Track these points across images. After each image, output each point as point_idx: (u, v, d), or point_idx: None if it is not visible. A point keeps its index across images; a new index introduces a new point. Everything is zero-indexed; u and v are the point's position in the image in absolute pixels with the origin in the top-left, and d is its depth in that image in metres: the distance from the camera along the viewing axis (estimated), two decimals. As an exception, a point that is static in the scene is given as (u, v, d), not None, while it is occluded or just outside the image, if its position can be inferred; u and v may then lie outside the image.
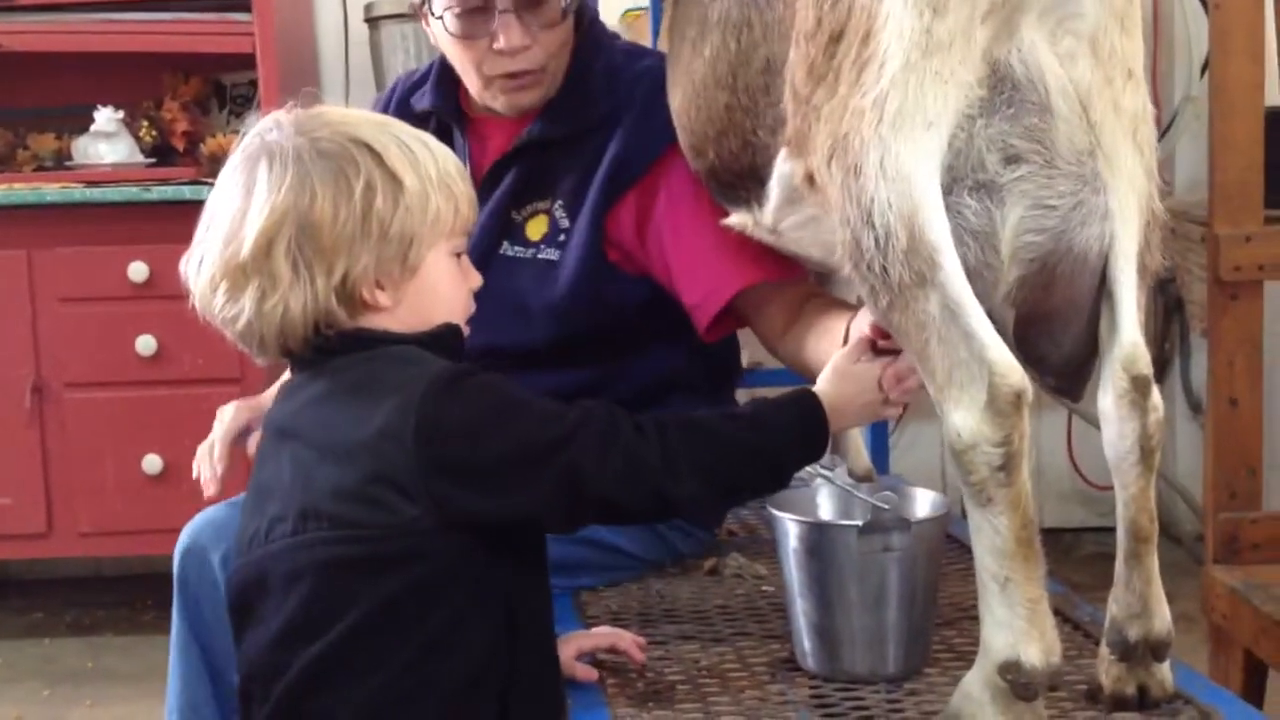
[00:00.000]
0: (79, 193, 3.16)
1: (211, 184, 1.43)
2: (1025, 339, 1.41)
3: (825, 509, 1.61)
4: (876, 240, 1.29)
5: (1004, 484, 1.26)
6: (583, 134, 1.83)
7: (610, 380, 1.86)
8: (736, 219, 1.68)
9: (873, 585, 1.48)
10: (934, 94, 1.27)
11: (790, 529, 1.52)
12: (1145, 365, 1.34)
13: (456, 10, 1.77)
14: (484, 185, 1.87)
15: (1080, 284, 1.36)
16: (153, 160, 3.40)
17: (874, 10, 1.28)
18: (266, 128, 1.40)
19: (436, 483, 1.30)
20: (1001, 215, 1.32)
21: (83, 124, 3.40)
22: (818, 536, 1.50)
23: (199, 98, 3.51)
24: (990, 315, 1.32)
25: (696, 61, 1.62)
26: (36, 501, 3.21)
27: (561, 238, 1.83)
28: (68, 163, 3.39)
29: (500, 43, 1.76)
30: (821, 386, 1.46)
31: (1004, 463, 1.25)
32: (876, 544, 1.46)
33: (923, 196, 1.27)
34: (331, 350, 1.38)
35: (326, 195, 1.34)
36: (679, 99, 1.70)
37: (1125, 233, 1.35)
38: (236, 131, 3.44)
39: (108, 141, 3.39)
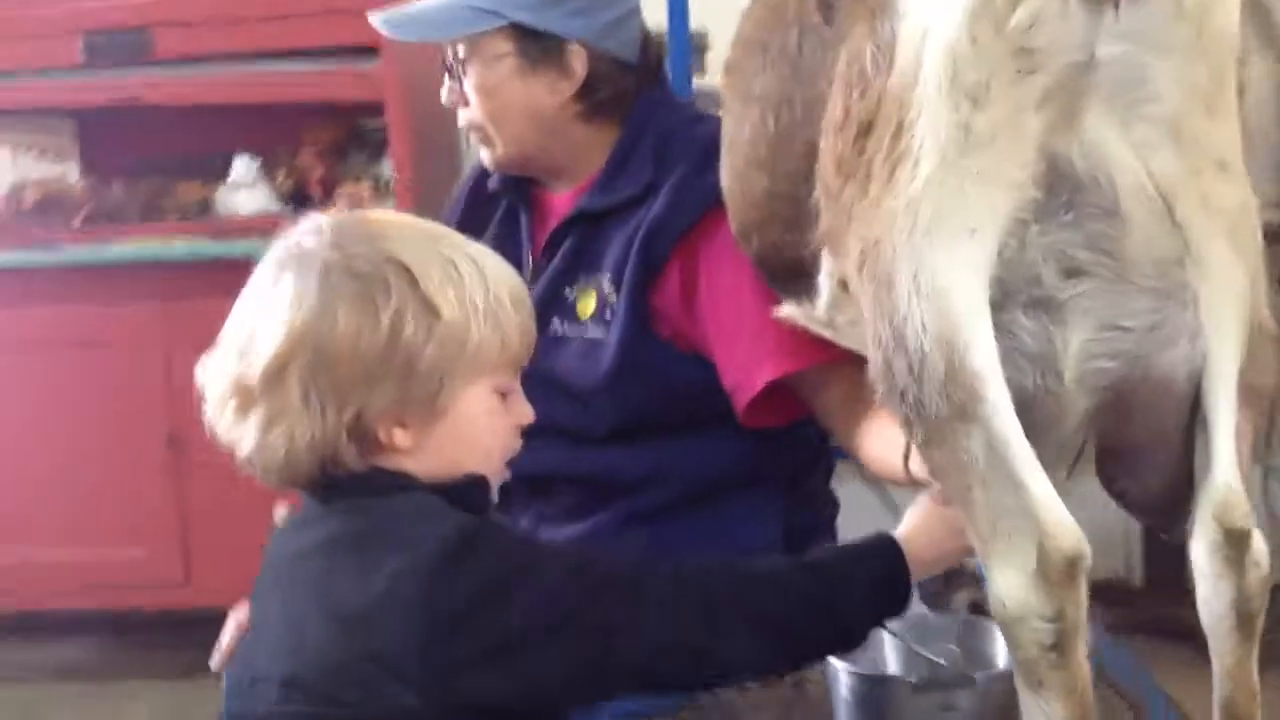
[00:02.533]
0: (207, 247, 3.15)
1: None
2: (1107, 472, 1.21)
3: (888, 652, 1.41)
4: (910, 366, 1.10)
5: (1056, 665, 1.05)
6: (631, 203, 1.69)
7: (672, 466, 1.69)
8: (789, 310, 1.50)
9: (934, 747, 1.29)
10: (977, 196, 1.08)
11: (841, 677, 1.33)
12: (1242, 516, 1.12)
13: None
14: (540, 261, 1.75)
15: (1166, 414, 1.14)
16: (289, 207, 3.37)
17: (905, 100, 1.09)
18: (305, 231, 1.27)
19: (440, 663, 1.13)
20: (1063, 337, 1.11)
21: (226, 172, 3.41)
22: (870, 690, 1.31)
23: (335, 143, 3.48)
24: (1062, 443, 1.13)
25: (739, 140, 1.45)
26: (171, 552, 3.22)
27: (608, 315, 1.69)
28: (210, 212, 3.40)
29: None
30: (906, 531, 1.26)
31: (1056, 640, 1.05)
32: (934, 701, 1.27)
33: (963, 316, 1.08)
34: (341, 490, 1.23)
35: (350, 321, 1.20)
36: (726, 179, 1.53)
37: (1221, 351, 1.12)
38: (375, 177, 3.41)
39: (245, 190, 3.39)
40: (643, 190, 1.69)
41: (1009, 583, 1.07)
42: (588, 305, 1.72)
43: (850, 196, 1.17)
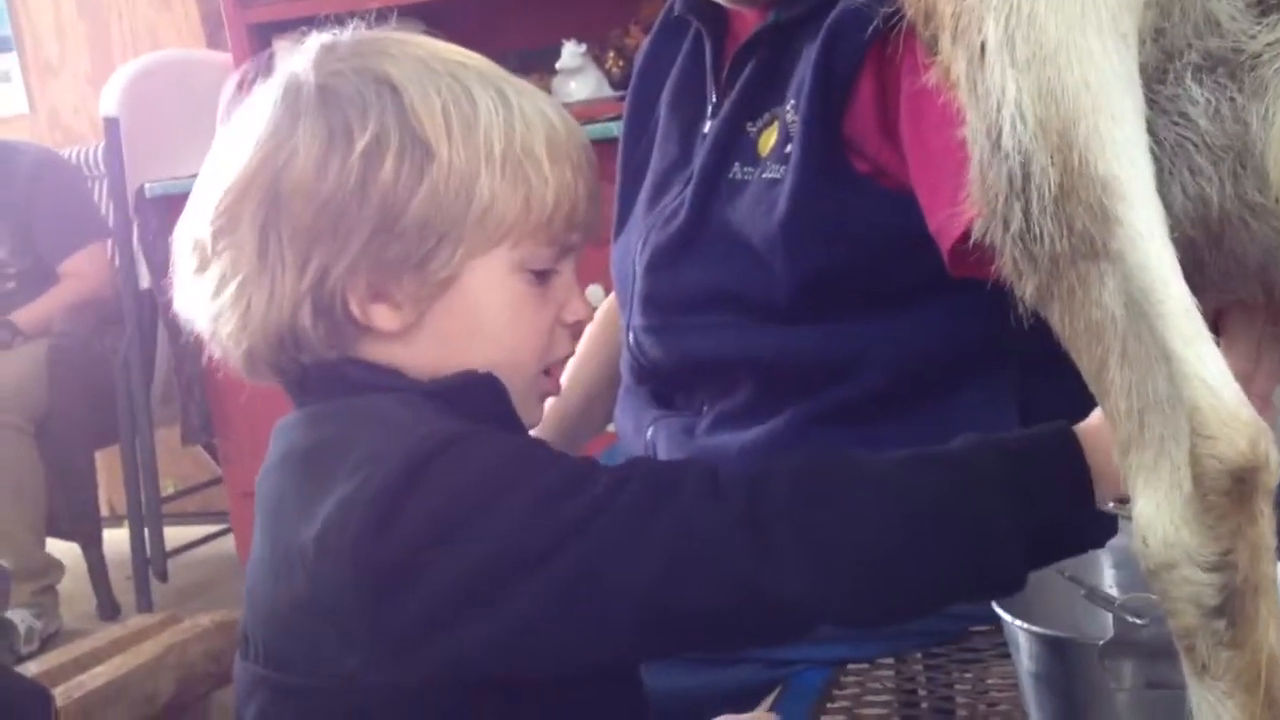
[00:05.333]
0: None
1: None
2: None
3: (1082, 605, 0.99)
4: (1010, 176, 0.72)
5: (1224, 641, 0.65)
6: (823, 8, 1.31)
7: (877, 346, 1.31)
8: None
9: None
10: (1096, -102, 0.68)
11: (1020, 639, 0.95)
12: None
13: None
14: (723, 94, 1.41)
15: None
16: (622, 93, 3.17)
17: None
18: (298, 50, 1.00)
19: (394, 627, 0.86)
20: (1263, 113, 0.69)
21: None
22: (1050, 654, 0.92)
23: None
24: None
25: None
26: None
27: (789, 148, 1.32)
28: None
29: None
30: (1096, 419, 0.85)
31: (1223, 601, 0.65)
32: (1127, 672, 0.87)
33: (1083, 92, 0.68)
34: (310, 387, 0.98)
35: (312, 151, 0.93)
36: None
37: None
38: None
39: (577, 78, 3.23)
40: None
41: (1153, 510, 0.67)
42: (769, 140, 1.37)
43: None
